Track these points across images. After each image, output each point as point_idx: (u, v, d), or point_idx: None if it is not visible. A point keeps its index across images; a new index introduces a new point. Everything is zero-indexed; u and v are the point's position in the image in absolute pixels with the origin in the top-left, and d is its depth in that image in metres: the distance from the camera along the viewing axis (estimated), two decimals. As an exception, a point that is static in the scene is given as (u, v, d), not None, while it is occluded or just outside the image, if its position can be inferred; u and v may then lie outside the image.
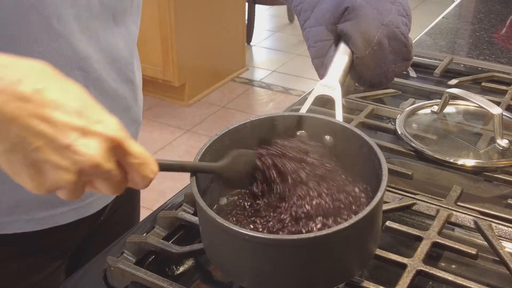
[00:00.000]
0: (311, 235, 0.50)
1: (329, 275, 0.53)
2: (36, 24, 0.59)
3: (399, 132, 0.83)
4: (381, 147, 0.79)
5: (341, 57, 0.66)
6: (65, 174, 0.42)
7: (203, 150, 0.58)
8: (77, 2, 0.62)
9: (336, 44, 0.67)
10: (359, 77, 0.68)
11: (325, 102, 0.69)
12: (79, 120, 0.42)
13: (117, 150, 0.45)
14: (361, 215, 0.50)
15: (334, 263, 0.53)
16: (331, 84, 0.65)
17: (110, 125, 0.44)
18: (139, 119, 0.80)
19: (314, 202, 0.55)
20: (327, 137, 0.62)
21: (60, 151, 0.42)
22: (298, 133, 0.62)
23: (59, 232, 0.73)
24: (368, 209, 0.51)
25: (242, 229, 0.51)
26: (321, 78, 0.68)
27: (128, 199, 0.88)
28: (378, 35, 0.64)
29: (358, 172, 0.59)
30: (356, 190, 0.58)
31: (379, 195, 0.52)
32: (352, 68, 0.67)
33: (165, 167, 0.52)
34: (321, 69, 0.68)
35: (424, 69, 1.09)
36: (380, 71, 0.67)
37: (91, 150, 0.42)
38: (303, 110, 0.68)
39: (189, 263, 0.64)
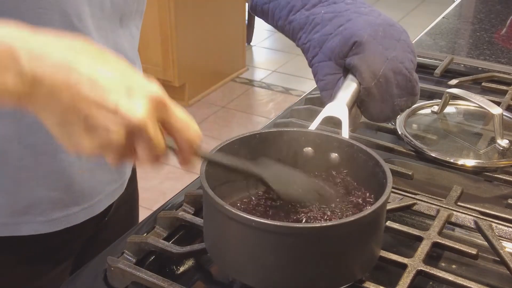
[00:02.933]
0: (319, 224, 0.52)
1: (334, 275, 0.54)
2: (57, 21, 0.61)
3: (400, 132, 0.83)
4: (381, 147, 0.80)
5: (350, 83, 0.69)
6: (114, 135, 0.45)
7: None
8: (92, 0, 0.63)
9: (345, 77, 0.70)
10: (366, 110, 0.71)
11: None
12: (123, 85, 0.46)
13: (161, 111, 0.47)
14: (367, 211, 0.52)
15: (339, 261, 0.53)
16: (339, 106, 0.68)
17: (153, 88, 0.47)
18: None
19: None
20: (333, 154, 0.64)
21: (108, 114, 0.45)
22: (304, 150, 0.64)
23: (69, 233, 0.74)
24: (374, 206, 0.52)
25: (248, 215, 0.52)
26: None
27: (128, 198, 0.88)
28: (384, 68, 0.67)
29: (364, 187, 0.61)
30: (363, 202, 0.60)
31: (384, 197, 0.54)
32: (360, 101, 0.69)
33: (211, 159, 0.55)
34: (330, 101, 0.70)
35: (424, 69, 1.09)
36: (386, 104, 0.69)
37: (137, 111, 0.45)
38: (311, 129, 0.69)
39: (189, 263, 0.64)
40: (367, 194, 0.60)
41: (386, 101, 0.69)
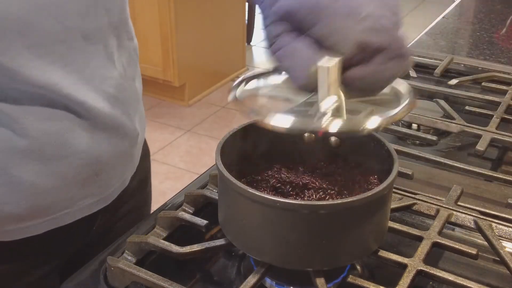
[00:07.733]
0: (340, 201, 0.53)
1: (351, 248, 0.55)
2: None
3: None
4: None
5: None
6: None
7: (225, 139, 0.60)
8: (28, 31, 0.58)
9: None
10: (354, 85, 0.56)
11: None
12: None
13: None
14: (382, 185, 0.54)
15: (357, 233, 0.55)
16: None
17: None
18: (134, 134, 0.74)
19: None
20: (333, 138, 0.64)
21: None
22: (306, 135, 0.65)
23: (40, 241, 0.70)
24: (387, 181, 0.54)
25: (273, 196, 0.53)
26: None
27: (139, 202, 0.87)
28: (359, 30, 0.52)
29: (367, 166, 0.62)
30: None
31: (394, 172, 0.55)
32: (345, 79, 0.56)
33: None
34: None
35: (424, 69, 1.09)
36: (374, 71, 0.54)
37: None
38: None
39: (189, 263, 0.64)
40: (370, 174, 0.62)
41: (372, 66, 0.53)
